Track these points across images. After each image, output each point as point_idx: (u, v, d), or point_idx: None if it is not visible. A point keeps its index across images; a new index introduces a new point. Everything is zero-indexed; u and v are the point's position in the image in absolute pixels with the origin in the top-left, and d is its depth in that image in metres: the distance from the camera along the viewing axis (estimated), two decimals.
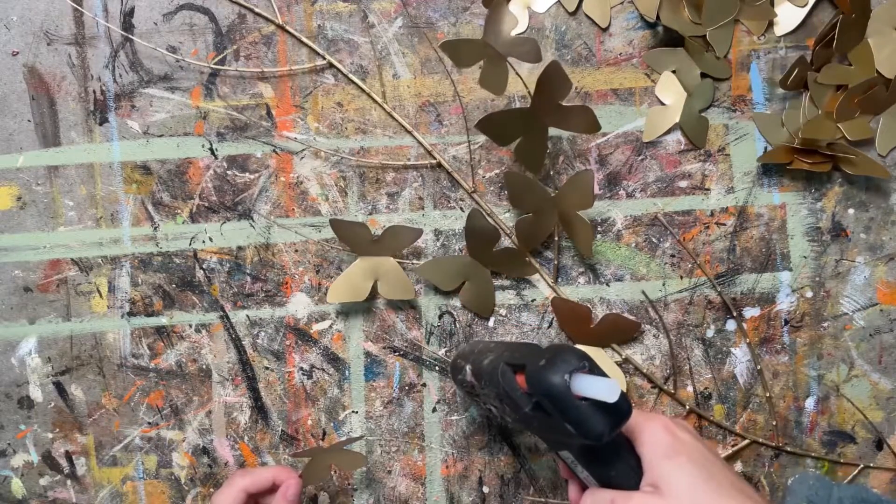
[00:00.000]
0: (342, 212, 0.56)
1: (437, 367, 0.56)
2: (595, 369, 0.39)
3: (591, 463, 0.42)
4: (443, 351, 0.56)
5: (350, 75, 0.55)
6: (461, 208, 0.56)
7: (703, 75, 0.55)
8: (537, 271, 0.55)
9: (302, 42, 0.55)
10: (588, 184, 0.52)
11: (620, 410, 0.38)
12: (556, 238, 0.55)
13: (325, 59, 0.55)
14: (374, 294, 0.55)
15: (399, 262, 0.54)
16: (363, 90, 0.56)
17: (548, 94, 0.49)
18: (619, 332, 0.55)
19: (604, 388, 0.37)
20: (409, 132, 0.55)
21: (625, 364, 0.56)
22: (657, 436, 0.41)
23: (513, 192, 0.53)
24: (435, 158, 0.55)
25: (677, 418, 0.48)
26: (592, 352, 0.54)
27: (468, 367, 0.47)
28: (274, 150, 0.56)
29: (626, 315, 0.55)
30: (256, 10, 0.55)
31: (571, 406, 0.37)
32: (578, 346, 0.49)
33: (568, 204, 0.52)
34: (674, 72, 0.55)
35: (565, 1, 0.55)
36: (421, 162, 0.56)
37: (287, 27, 0.55)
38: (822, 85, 0.54)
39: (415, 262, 0.56)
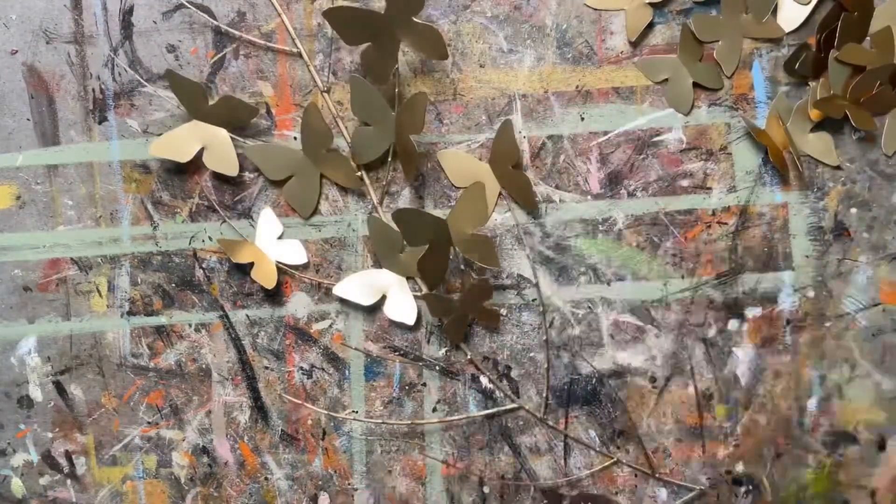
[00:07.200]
0: (342, 210, 0.56)
1: (437, 367, 0.56)
2: None
3: None
4: (443, 351, 0.56)
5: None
6: None
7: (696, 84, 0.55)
8: (363, 185, 0.55)
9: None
10: (421, 107, 0.52)
11: None
12: (390, 159, 0.55)
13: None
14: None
15: (233, 139, 0.54)
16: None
17: (401, 4, 0.49)
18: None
19: None
20: (285, 24, 0.55)
21: (627, 367, 0.56)
22: None
23: (355, 98, 0.53)
24: (297, 48, 0.55)
25: None
26: (396, 279, 0.55)
27: None
28: None
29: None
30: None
31: None
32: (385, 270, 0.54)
33: (402, 126, 0.52)
34: (665, 80, 0.55)
35: None
36: (282, 47, 0.55)
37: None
38: (840, 65, 0.53)
39: (248, 141, 0.55)
